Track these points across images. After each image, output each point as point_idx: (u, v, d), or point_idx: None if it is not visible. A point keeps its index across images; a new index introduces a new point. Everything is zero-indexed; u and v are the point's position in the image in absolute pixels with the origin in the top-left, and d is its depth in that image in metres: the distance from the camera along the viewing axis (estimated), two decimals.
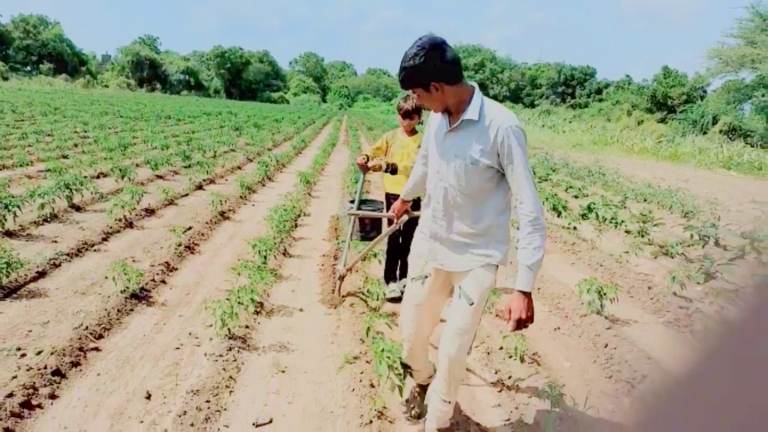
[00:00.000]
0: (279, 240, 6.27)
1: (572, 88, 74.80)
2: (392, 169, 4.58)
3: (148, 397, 3.17)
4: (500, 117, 2.42)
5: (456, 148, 2.51)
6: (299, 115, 42.79)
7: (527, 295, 2.45)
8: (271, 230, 6.40)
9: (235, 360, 3.63)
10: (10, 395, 2.94)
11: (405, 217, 3.59)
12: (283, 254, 6.18)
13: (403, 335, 2.91)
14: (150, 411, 3.05)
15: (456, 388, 2.78)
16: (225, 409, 3.11)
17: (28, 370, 3.25)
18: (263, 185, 10.95)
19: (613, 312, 4.98)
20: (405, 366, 3.03)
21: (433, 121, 2.69)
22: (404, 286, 4.54)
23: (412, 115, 4.63)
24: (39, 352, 3.52)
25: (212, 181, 10.78)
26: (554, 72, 77.38)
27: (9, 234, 6.05)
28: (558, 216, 8.61)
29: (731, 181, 17.64)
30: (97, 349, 3.71)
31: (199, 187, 9.95)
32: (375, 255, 5.42)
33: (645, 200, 11.57)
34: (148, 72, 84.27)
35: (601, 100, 65.07)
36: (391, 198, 4.93)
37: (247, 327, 4.13)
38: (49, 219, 6.85)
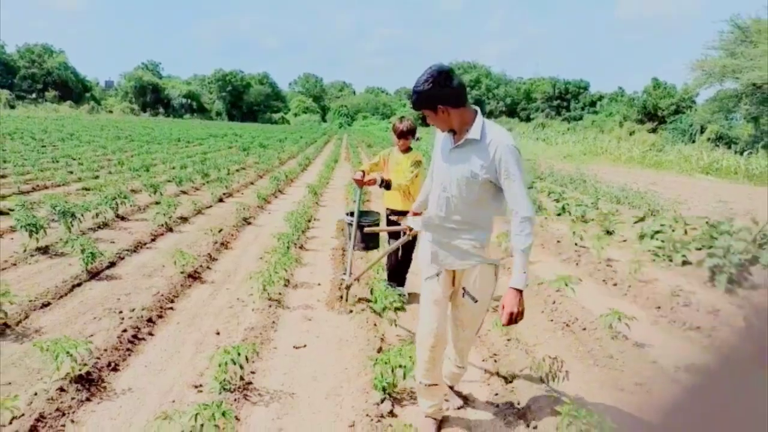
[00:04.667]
0: (296, 236, 7.59)
1: (567, 101, 76.34)
2: (386, 185, 4.84)
3: (218, 333, 4.50)
4: (498, 137, 2.75)
5: (459, 163, 2.83)
6: (301, 135, 44.31)
7: (519, 291, 2.74)
8: (289, 228, 7.73)
9: (274, 313, 4.96)
10: (125, 330, 4.26)
11: (418, 226, 4.02)
12: (300, 248, 7.50)
13: (424, 342, 3.03)
14: (221, 341, 4.36)
15: (467, 357, 3.30)
16: (272, 340, 4.43)
17: (129, 318, 4.57)
18: (275, 197, 12.30)
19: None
20: (423, 387, 3.15)
21: (439, 138, 3.01)
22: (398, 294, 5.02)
23: (406, 135, 4.97)
24: (132, 310, 4.83)
25: (230, 195, 12.12)
26: (549, 86, 78.97)
27: (75, 238, 7.37)
28: None
29: (706, 184, 18.99)
30: (171, 308, 5.04)
31: (221, 200, 11.30)
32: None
33: (618, 201, 12.90)
34: (151, 97, 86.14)
35: (595, 113, 66.57)
36: (389, 212, 5.35)
37: (280, 294, 5.45)
38: (101, 226, 8.18)
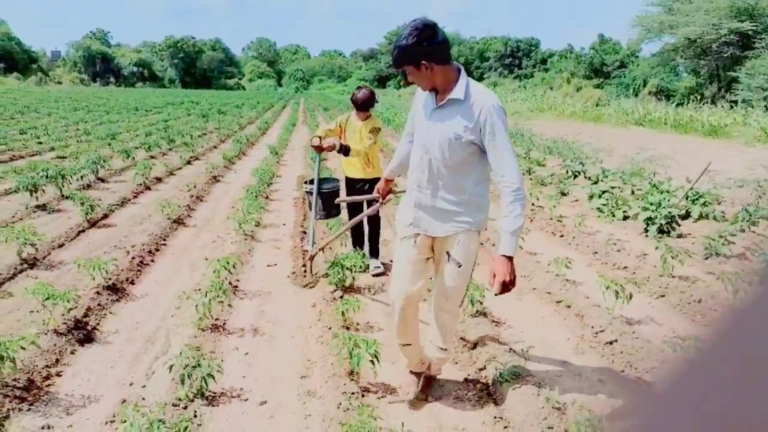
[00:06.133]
0: (262, 188, 8.76)
1: (518, 59, 77.82)
2: (345, 150, 4.74)
3: (206, 259, 5.70)
4: (483, 97, 2.67)
5: (442, 123, 2.72)
6: (258, 100, 44.76)
7: (510, 259, 2.64)
8: (255, 182, 8.90)
9: (249, 244, 6.18)
10: (133, 258, 5.43)
11: (390, 197, 3.81)
12: (266, 198, 8.68)
13: (395, 302, 2.98)
14: (209, 265, 5.56)
15: (451, 338, 3.12)
16: (249, 261, 5.68)
17: (134, 250, 5.73)
18: (239, 158, 13.38)
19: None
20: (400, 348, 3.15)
21: (420, 98, 2.89)
22: (373, 267, 5.23)
23: (365, 107, 4.97)
24: (133, 246, 5.98)
25: (197, 158, 13.13)
26: (501, 45, 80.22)
27: (65, 197, 8.38)
28: None
29: (635, 134, 20.70)
30: (165, 245, 6.22)
31: (189, 162, 12.33)
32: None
33: (549, 152, 14.35)
34: (100, 66, 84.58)
35: (546, 70, 68.22)
36: (349, 181, 5.25)
37: (252, 231, 6.65)
38: (85, 188, 9.19)
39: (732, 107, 27.09)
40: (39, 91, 54.24)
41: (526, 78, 68.40)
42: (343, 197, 5.06)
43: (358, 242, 5.47)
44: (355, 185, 5.17)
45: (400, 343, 3.10)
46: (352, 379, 3.26)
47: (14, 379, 3.16)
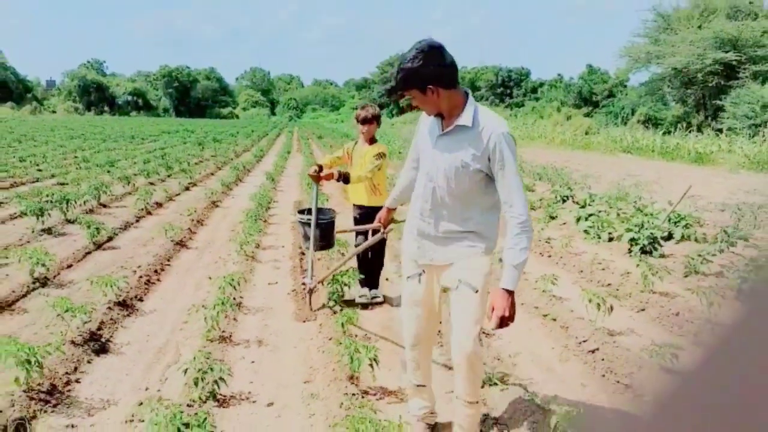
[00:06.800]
0: (261, 212, 9.05)
1: (509, 88, 78.87)
2: (345, 178, 4.53)
3: (210, 278, 5.96)
4: (492, 124, 2.54)
5: (447, 151, 2.59)
6: (252, 129, 45.25)
7: (510, 293, 2.51)
8: (254, 206, 9.19)
9: (251, 264, 6.45)
10: (140, 277, 5.69)
11: (392, 226, 3.70)
12: (264, 221, 8.97)
13: (405, 342, 2.93)
14: (213, 283, 5.82)
15: (479, 385, 2.81)
16: (251, 280, 5.94)
17: (140, 270, 5.98)
18: (236, 185, 13.69)
19: None
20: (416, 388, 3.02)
21: (424, 123, 2.77)
22: (371, 297, 5.19)
23: (370, 121, 4.75)
24: (139, 266, 6.24)
25: (195, 184, 13.43)
26: (492, 74, 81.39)
27: (70, 221, 8.64)
28: None
29: (623, 161, 21.22)
30: (169, 265, 6.47)
31: (187, 188, 12.63)
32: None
33: (540, 178, 14.74)
34: (95, 95, 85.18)
35: (536, 99, 69.21)
36: (354, 208, 5.17)
37: (253, 252, 6.93)
38: (88, 212, 9.45)
39: (718, 135, 27.77)
40: (34, 120, 54.65)
41: (517, 107, 69.23)
42: (342, 228, 5.05)
43: (363, 270, 5.30)
44: (360, 213, 5.09)
45: (413, 384, 2.98)
46: (353, 383, 3.52)
47: (38, 384, 3.40)
